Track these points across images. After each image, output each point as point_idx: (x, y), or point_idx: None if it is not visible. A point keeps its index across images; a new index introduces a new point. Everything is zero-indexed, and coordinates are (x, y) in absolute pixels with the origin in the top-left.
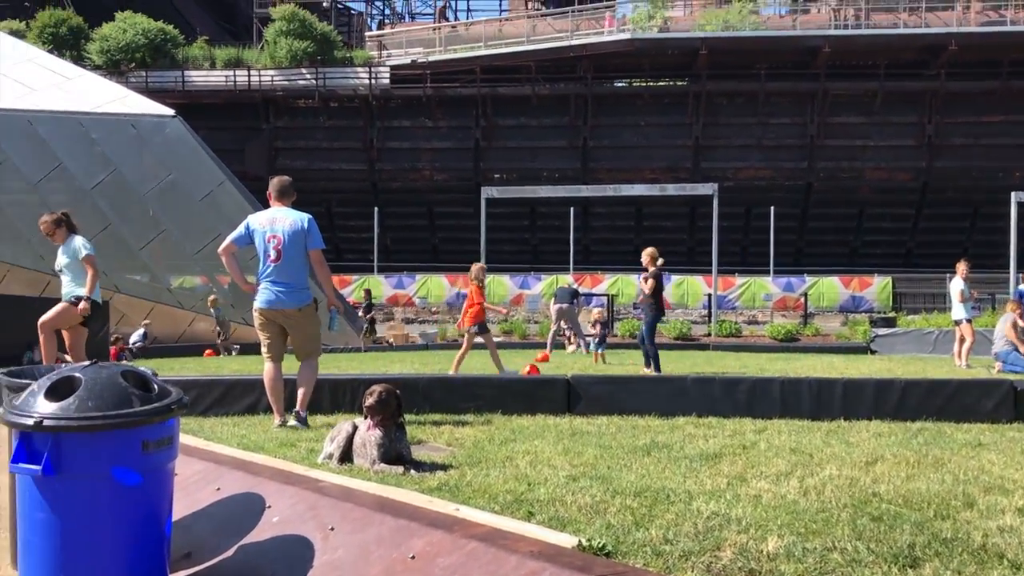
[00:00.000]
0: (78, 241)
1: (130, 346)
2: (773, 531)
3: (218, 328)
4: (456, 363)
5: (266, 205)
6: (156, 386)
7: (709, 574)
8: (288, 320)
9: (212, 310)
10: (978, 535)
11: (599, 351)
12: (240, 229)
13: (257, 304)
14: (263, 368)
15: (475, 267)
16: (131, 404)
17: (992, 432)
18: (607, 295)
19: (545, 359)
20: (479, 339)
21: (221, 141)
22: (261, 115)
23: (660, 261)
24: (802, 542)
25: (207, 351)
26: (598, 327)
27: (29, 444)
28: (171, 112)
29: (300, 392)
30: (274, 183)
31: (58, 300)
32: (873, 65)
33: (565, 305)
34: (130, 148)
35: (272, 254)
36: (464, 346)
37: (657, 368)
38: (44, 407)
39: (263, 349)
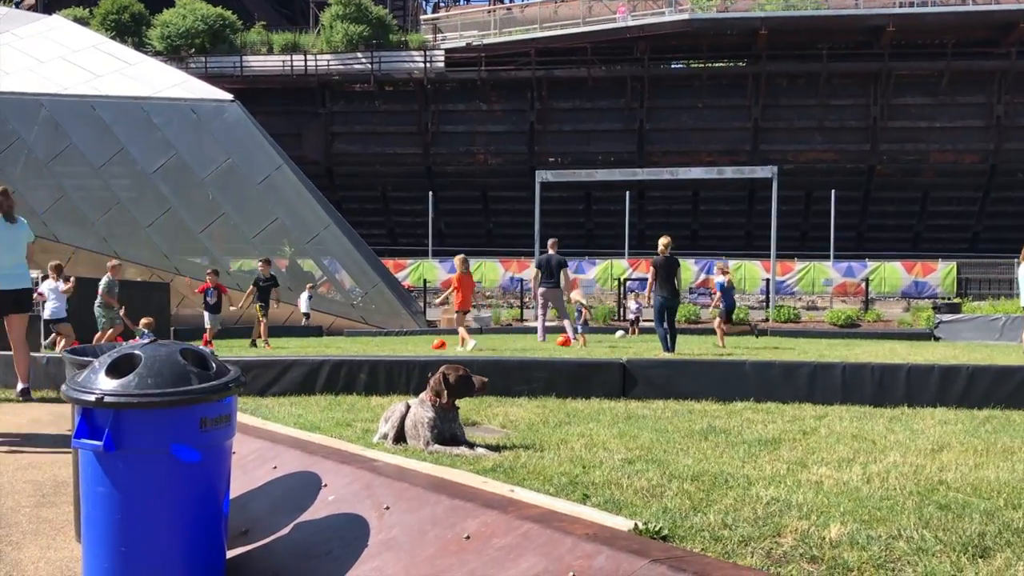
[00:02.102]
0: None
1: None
2: (835, 518)
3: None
4: None
5: (322, 189)
6: (214, 364)
7: (769, 560)
8: None
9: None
10: None
11: (582, 333)
12: None
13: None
14: None
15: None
16: (189, 382)
17: None
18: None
19: (566, 343)
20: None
21: (278, 125)
22: (318, 99)
23: (666, 247)
24: (866, 529)
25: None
26: (583, 310)
27: (91, 420)
28: (230, 97)
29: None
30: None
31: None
32: (940, 44)
33: (544, 289)
34: (190, 132)
35: None
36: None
37: (666, 348)
38: (105, 384)
39: None
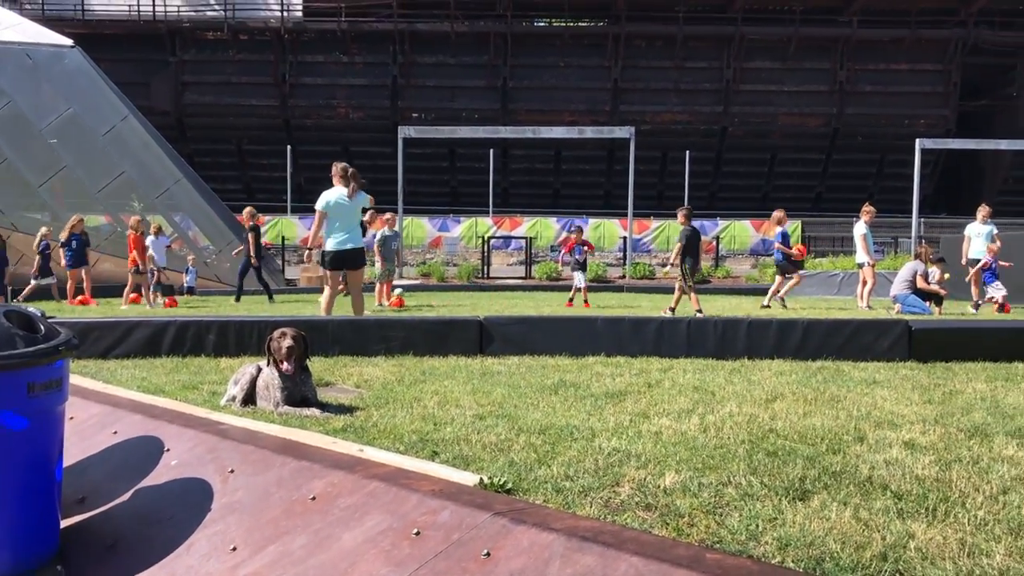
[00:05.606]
0: None
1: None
2: (671, 467)
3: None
4: None
5: (172, 141)
6: (43, 327)
7: (607, 509)
8: None
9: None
10: (865, 468)
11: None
12: None
13: None
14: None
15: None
16: (15, 346)
17: (887, 370)
18: (526, 238)
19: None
20: None
21: (125, 74)
22: (167, 47)
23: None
24: (698, 477)
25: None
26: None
27: None
28: (69, 42)
29: None
30: None
31: None
32: (788, 11)
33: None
34: (26, 80)
35: None
36: None
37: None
38: None
39: None
